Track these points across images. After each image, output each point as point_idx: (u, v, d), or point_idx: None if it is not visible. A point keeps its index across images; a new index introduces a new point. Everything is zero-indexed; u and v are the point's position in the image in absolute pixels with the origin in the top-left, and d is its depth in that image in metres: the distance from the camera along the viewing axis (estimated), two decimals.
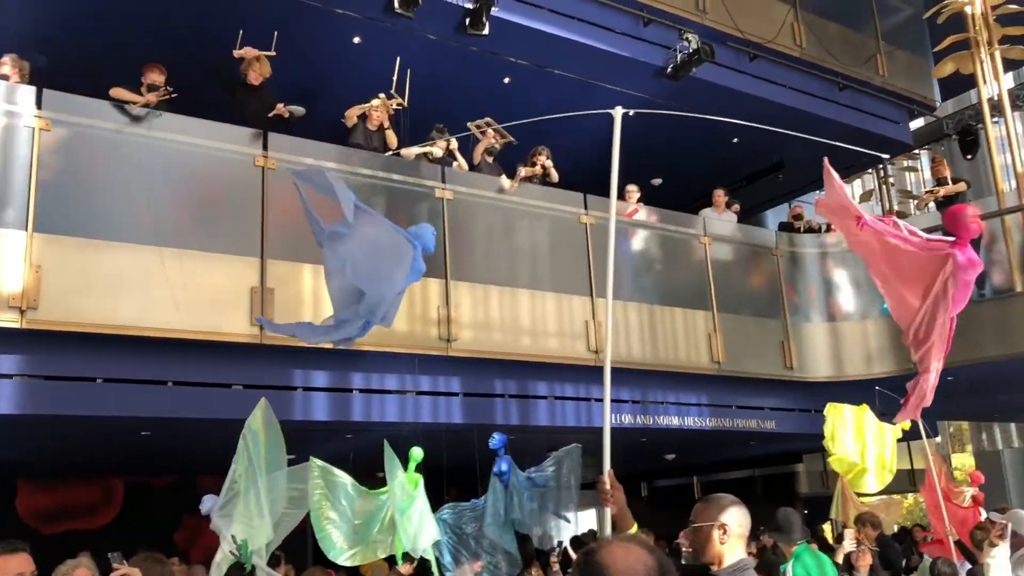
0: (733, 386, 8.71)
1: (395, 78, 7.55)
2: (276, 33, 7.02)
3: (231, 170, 6.44)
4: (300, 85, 7.94)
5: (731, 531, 2.68)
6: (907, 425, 6.74)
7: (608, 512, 3.08)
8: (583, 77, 8.91)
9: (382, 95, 7.46)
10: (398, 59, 7.56)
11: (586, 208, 8.03)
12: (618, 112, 3.70)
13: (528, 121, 5.10)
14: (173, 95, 6.23)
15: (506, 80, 8.86)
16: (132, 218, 5.94)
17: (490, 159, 7.96)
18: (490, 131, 7.88)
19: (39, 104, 5.74)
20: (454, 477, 7.60)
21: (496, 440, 6.64)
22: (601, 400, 7.61)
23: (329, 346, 6.35)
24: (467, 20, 7.79)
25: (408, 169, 7.23)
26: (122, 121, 6.06)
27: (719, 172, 10.94)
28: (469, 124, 7.94)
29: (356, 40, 8.03)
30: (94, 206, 5.82)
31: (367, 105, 7.44)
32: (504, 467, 6.57)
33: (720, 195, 9.77)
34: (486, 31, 7.83)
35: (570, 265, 7.84)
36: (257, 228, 6.27)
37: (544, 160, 8.07)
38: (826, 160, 4.71)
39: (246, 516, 4.69)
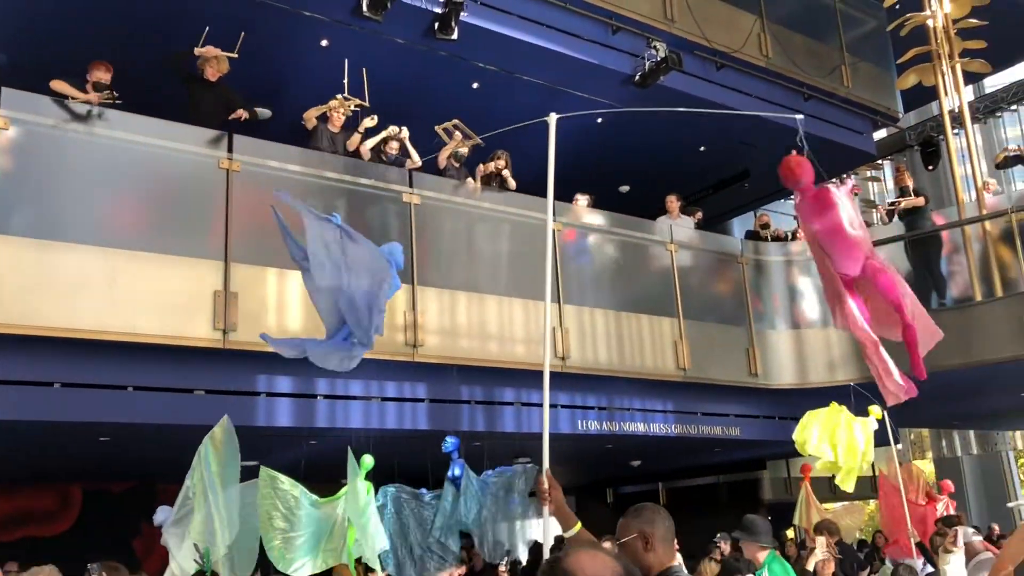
0: (698, 393, 8.76)
1: (346, 80, 7.53)
2: (243, 34, 6.95)
3: (195, 172, 6.36)
4: (266, 87, 7.88)
5: (654, 538, 2.64)
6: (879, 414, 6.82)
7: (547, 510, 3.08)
8: (551, 83, 8.93)
9: (339, 96, 7.41)
10: (346, 61, 7.52)
11: (554, 214, 8.01)
12: (552, 118, 3.77)
13: (493, 134, 5.10)
14: (118, 100, 6.12)
15: (475, 85, 8.85)
16: (92, 220, 5.84)
17: (457, 164, 7.94)
18: (457, 134, 7.85)
19: None
20: (407, 482, 7.55)
21: (449, 444, 6.64)
22: (567, 407, 7.67)
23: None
24: (436, 24, 7.77)
25: (375, 173, 7.19)
26: (84, 121, 5.96)
27: (686, 180, 11.02)
28: (436, 128, 7.91)
29: (324, 43, 7.98)
30: (52, 207, 5.71)
31: (325, 107, 7.38)
32: (458, 471, 6.59)
33: (672, 200, 9.74)
34: (455, 36, 7.82)
35: (538, 271, 7.79)
36: (221, 231, 6.19)
37: (501, 163, 8.01)
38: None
39: (201, 532, 4.61)
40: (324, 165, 7.00)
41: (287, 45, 7.88)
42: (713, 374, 8.75)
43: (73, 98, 5.96)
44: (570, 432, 7.82)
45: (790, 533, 10.13)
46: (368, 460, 5.37)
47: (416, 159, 7.65)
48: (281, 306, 6.27)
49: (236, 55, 6.96)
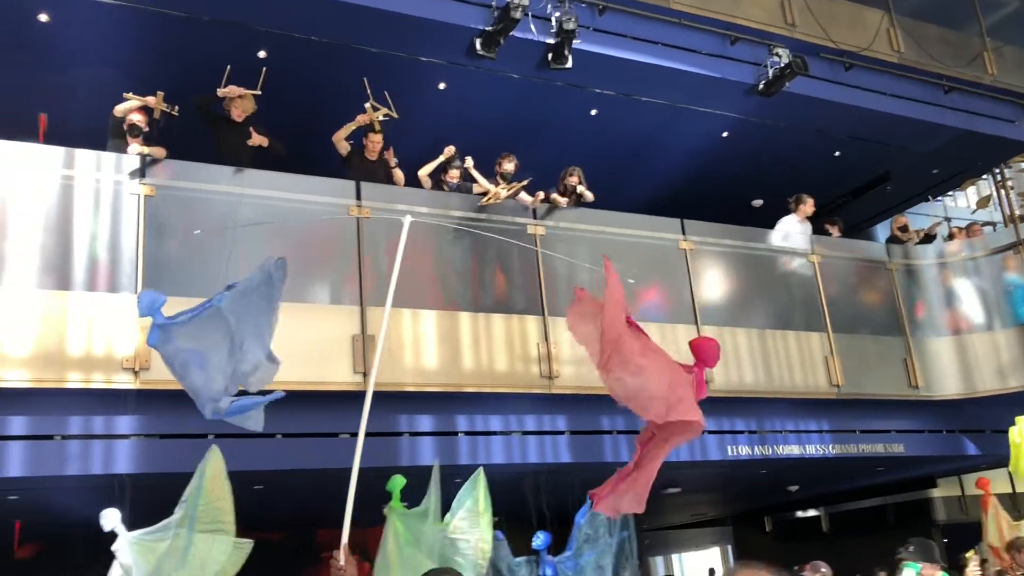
0: (855, 409, 8.26)
1: (369, 91, 7.26)
2: (264, 69, 6.95)
3: (328, 222, 6.54)
4: (389, 134, 8.04)
5: None
6: None
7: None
8: (672, 102, 8.76)
9: (367, 105, 7.21)
10: (365, 79, 7.26)
11: (684, 233, 7.81)
12: (407, 220, 3.92)
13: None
14: (175, 113, 6.42)
15: (593, 112, 8.78)
16: (236, 275, 6.07)
17: (510, 193, 7.61)
18: (503, 166, 7.50)
19: (142, 173, 5.97)
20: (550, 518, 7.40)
21: (540, 541, 6.31)
22: (715, 432, 7.37)
23: (434, 389, 6.35)
24: (549, 55, 7.75)
25: (499, 208, 7.19)
26: (223, 182, 6.26)
27: (822, 188, 10.53)
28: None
29: (441, 86, 8.11)
30: (197, 266, 5.98)
31: (354, 124, 7.20)
32: (549, 573, 6.22)
33: (810, 203, 9.12)
34: (569, 64, 7.77)
35: (674, 293, 7.63)
36: (355, 276, 6.32)
37: (574, 179, 7.71)
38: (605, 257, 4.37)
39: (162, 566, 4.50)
40: (449, 205, 7.07)
41: (405, 92, 8.03)
42: (870, 389, 8.24)
43: (145, 106, 6.30)
44: (720, 459, 7.51)
45: (970, 555, 9.37)
46: (399, 480, 5.22)
47: (484, 183, 7.45)
48: (417, 346, 6.33)
49: (259, 92, 6.91)
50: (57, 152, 5.86)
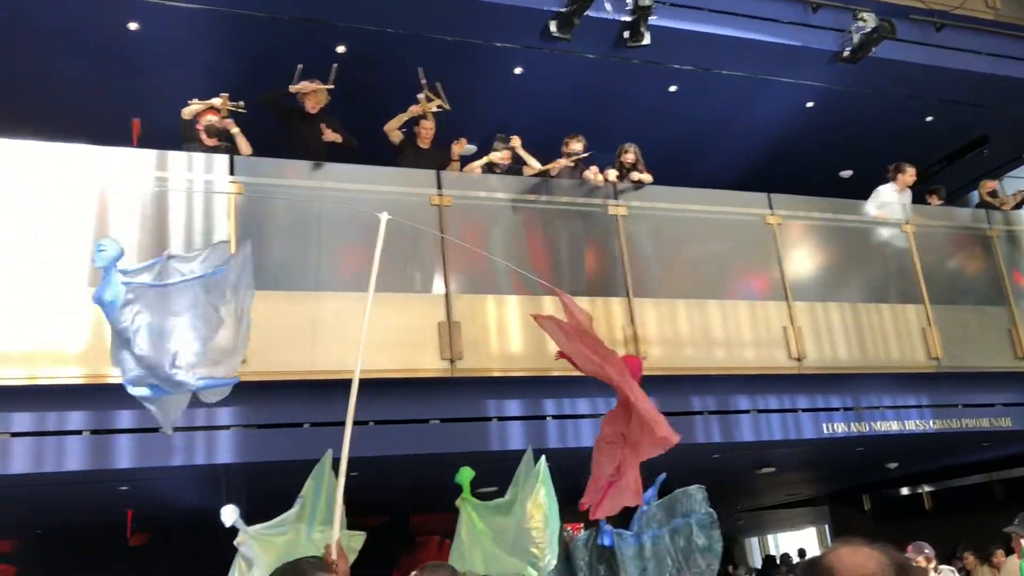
0: (957, 383, 7.95)
1: (424, 81, 7.18)
2: (335, 65, 6.92)
3: (410, 211, 6.61)
4: (466, 122, 8.07)
5: None
6: None
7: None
8: (754, 74, 8.56)
9: (420, 96, 7.14)
10: (420, 69, 7.19)
11: (771, 208, 7.63)
12: (384, 217, 3.98)
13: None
14: (243, 110, 6.53)
15: (672, 89, 8.64)
16: (324, 268, 6.22)
17: (571, 164, 7.42)
18: (571, 146, 7.31)
19: (231, 170, 6.14)
20: None
21: None
22: (809, 410, 7.20)
23: (520, 374, 6.38)
24: (625, 33, 7.66)
25: (578, 191, 7.16)
26: (305, 177, 6.39)
27: (914, 155, 10.13)
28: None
29: (517, 71, 8.10)
30: (286, 260, 6.13)
31: (407, 114, 7.13)
32: (607, 541, 5.90)
33: (910, 172, 8.67)
34: (646, 41, 7.67)
35: (760, 270, 7.47)
36: (439, 265, 6.39)
37: (631, 157, 7.39)
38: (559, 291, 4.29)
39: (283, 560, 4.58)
40: (527, 189, 7.07)
41: (481, 79, 8.07)
42: (972, 361, 7.91)
43: (210, 107, 6.44)
44: (815, 437, 7.33)
45: None
46: (467, 472, 5.25)
47: (535, 164, 7.29)
48: (502, 331, 6.36)
49: (332, 86, 6.90)
50: (150, 155, 6.07)
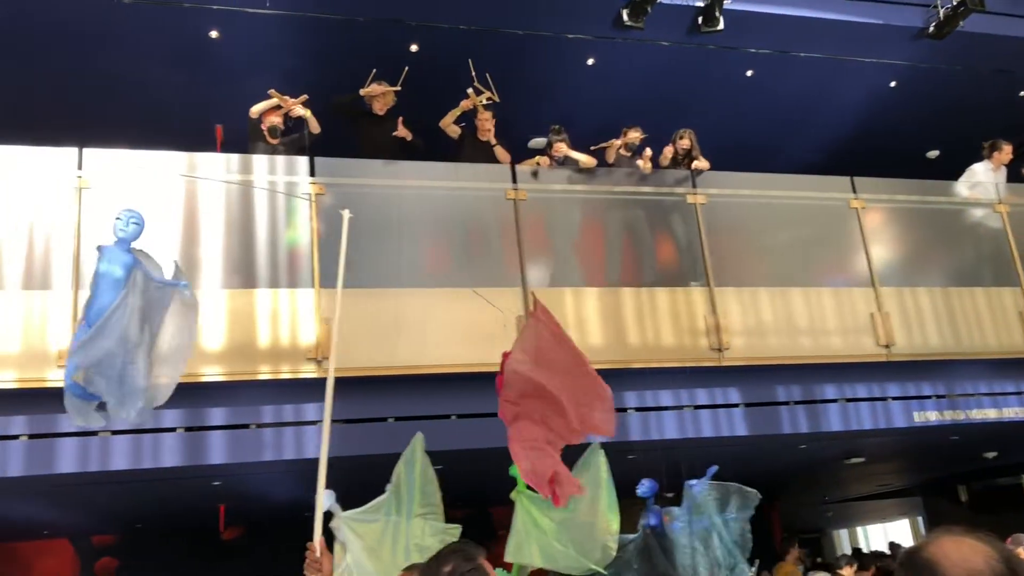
0: None
1: (473, 73, 7.05)
2: (406, 69, 6.96)
3: (487, 207, 6.65)
4: (538, 115, 8.07)
5: None
6: None
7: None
8: (833, 55, 8.33)
9: (470, 90, 7.03)
10: (470, 60, 7.06)
11: (855, 192, 7.43)
12: (346, 214, 4.02)
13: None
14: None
15: (749, 73, 8.47)
16: (403, 265, 6.30)
17: (628, 154, 7.36)
18: (629, 135, 7.25)
19: (312, 172, 6.27)
20: None
21: (645, 488, 5.75)
22: (899, 398, 6.98)
23: (600, 366, 6.33)
24: (699, 19, 7.54)
25: (655, 180, 7.08)
26: (382, 176, 6.48)
27: (1006, 133, 9.72)
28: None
29: (590, 62, 8.05)
30: (368, 258, 6.23)
31: (459, 109, 7.06)
32: (653, 520, 5.64)
33: (1007, 150, 8.27)
34: (721, 26, 7.54)
35: (845, 255, 7.28)
36: (515, 259, 6.40)
37: (686, 143, 7.24)
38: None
39: (378, 551, 4.67)
40: (608, 181, 7.03)
41: (553, 71, 8.04)
42: None
43: (275, 106, 6.66)
44: (905, 426, 7.11)
45: None
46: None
47: (588, 161, 7.03)
48: (580, 323, 6.34)
49: (400, 88, 6.96)
50: (234, 159, 6.25)
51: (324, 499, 4.73)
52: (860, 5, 8.02)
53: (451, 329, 6.06)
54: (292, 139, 6.88)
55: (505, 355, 4.03)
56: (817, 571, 8.65)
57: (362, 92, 6.91)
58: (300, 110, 6.77)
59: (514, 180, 6.63)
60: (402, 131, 6.85)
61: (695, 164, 7.16)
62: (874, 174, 7.76)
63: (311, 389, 5.83)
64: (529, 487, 5.21)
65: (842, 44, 8.21)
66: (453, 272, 6.33)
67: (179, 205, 5.93)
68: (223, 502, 8.35)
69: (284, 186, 6.21)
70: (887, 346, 6.93)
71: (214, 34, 7.17)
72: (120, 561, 10.17)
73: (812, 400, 6.89)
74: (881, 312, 7.02)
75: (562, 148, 7.07)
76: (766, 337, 6.74)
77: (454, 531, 4.98)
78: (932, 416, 7.21)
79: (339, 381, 5.76)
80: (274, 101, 6.73)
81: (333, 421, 5.88)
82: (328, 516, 4.87)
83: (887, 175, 7.87)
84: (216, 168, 6.14)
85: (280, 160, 6.32)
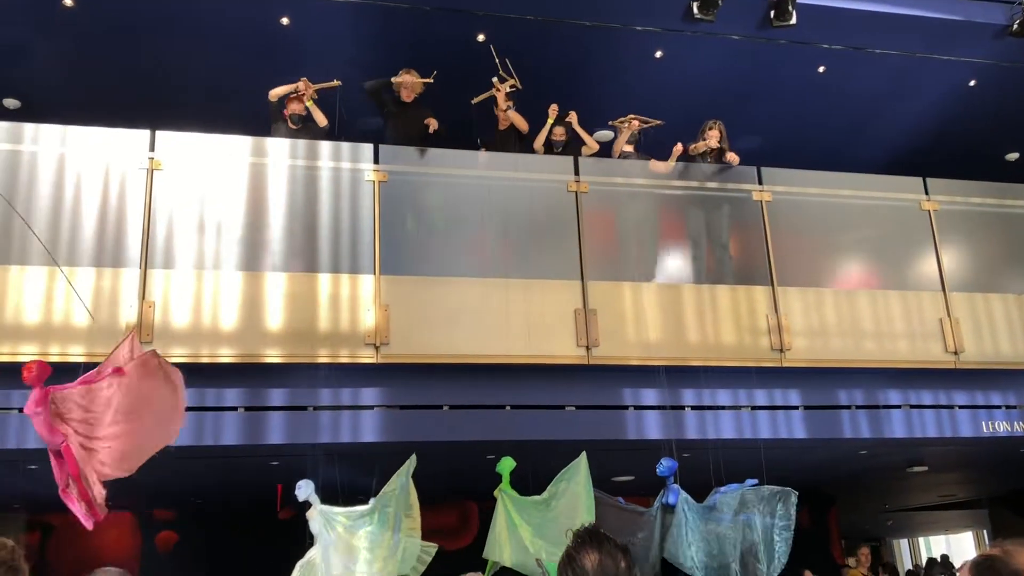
0: None
1: (497, 61, 7.03)
2: (435, 72, 7.00)
3: (547, 198, 6.63)
4: (604, 108, 8.00)
5: None
6: None
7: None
8: (910, 52, 8.09)
9: (495, 79, 7.04)
10: (491, 46, 7.08)
11: (927, 193, 7.22)
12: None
13: None
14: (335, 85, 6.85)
15: (821, 69, 8.27)
16: (463, 254, 6.32)
17: (630, 148, 7.31)
18: (634, 123, 7.24)
19: (376, 159, 6.32)
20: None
21: (664, 467, 5.65)
22: (967, 407, 6.78)
23: (658, 363, 6.29)
24: (771, 12, 7.39)
25: (721, 175, 6.97)
26: (446, 165, 6.51)
27: None
28: (611, 122, 7.44)
29: (657, 54, 7.95)
30: (428, 247, 6.27)
31: (487, 93, 7.09)
32: (672, 499, 5.54)
33: None
34: (793, 20, 7.37)
35: (913, 258, 7.09)
36: (575, 251, 6.37)
37: (715, 136, 7.11)
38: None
39: (350, 552, 4.80)
40: (667, 175, 6.95)
41: (620, 64, 7.97)
42: None
43: (294, 92, 6.79)
44: (973, 436, 6.90)
45: None
46: (509, 463, 5.49)
47: (592, 144, 7.19)
48: (639, 319, 6.29)
49: (431, 80, 6.99)
50: (300, 144, 6.33)
51: (303, 489, 4.89)
52: (939, 1, 7.78)
53: (508, 320, 6.06)
54: (310, 127, 6.96)
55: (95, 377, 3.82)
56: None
57: (393, 80, 7.00)
58: (307, 102, 6.88)
59: (576, 172, 6.60)
60: (433, 124, 6.87)
61: (729, 157, 7.03)
62: (949, 175, 7.53)
63: (368, 374, 5.89)
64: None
65: (919, 41, 7.96)
66: (513, 263, 6.32)
67: (245, 188, 6.04)
68: (280, 482, 8.50)
69: (348, 172, 6.27)
70: (956, 352, 6.73)
71: (285, 21, 7.26)
72: (179, 536, 10.43)
73: (875, 405, 6.73)
74: (951, 317, 6.82)
75: (573, 121, 7.17)
76: (829, 339, 6.60)
77: (430, 550, 5.33)
78: (1002, 427, 6.98)
79: (396, 367, 5.86)
80: (290, 87, 6.86)
81: (388, 407, 5.98)
82: (305, 507, 5.01)
83: (962, 177, 7.64)
84: (282, 153, 6.23)
85: (345, 147, 6.38)
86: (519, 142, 7.25)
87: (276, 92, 6.89)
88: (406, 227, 6.29)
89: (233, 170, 6.05)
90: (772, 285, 6.54)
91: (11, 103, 8.07)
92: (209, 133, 6.19)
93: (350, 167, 6.28)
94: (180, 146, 6.04)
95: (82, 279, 5.51)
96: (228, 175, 6.03)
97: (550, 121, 7.19)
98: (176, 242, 5.75)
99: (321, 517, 5.04)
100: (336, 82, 6.92)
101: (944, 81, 8.55)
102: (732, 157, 7.01)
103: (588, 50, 7.48)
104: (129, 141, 5.94)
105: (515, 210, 6.54)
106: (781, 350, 6.39)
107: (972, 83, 8.59)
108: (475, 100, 7.15)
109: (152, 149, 5.94)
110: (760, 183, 6.90)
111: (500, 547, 5.44)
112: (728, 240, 6.89)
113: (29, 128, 5.88)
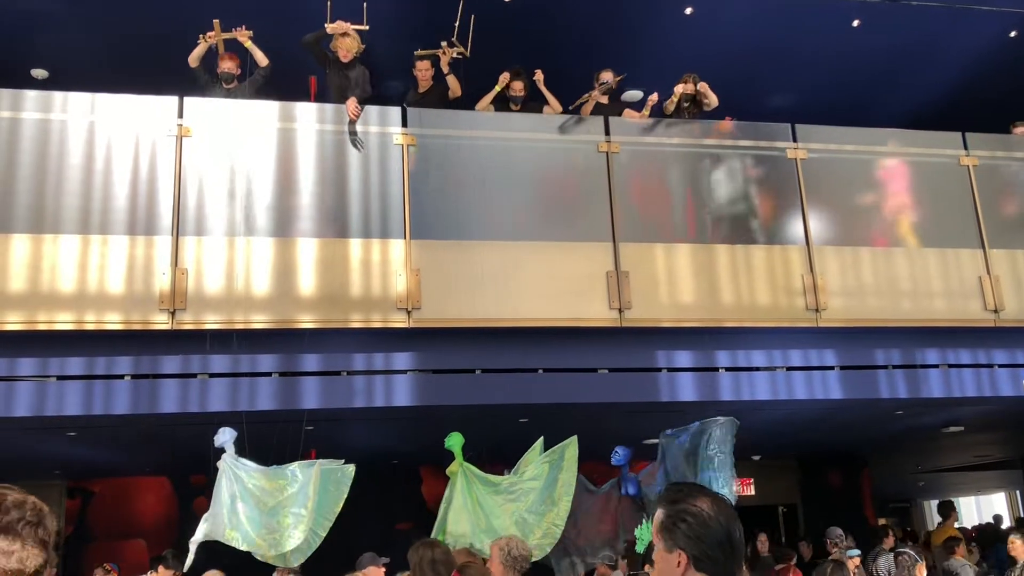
0: None
1: (457, 24, 6.75)
2: (364, 4, 6.62)
3: (578, 159, 6.55)
4: (639, 66, 7.86)
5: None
6: None
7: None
8: (947, 3, 7.86)
9: (444, 43, 6.77)
10: (460, 4, 6.78)
11: (966, 148, 7.05)
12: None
13: None
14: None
15: (855, 23, 8.07)
16: (493, 217, 6.26)
17: (605, 99, 7.08)
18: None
19: (404, 122, 6.26)
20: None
21: (619, 456, 6.10)
22: (1006, 366, 6.67)
23: (692, 324, 6.24)
24: None
25: (753, 133, 6.84)
26: (475, 128, 6.43)
27: None
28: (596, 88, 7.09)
29: (688, 11, 7.79)
30: (458, 210, 6.22)
31: (431, 52, 6.84)
32: (631, 490, 6.13)
33: None
34: None
35: (952, 214, 6.94)
36: (606, 213, 6.30)
37: (691, 87, 6.97)
38: None
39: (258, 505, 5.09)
40: (698, 134, 6.83)
41: (650, 20, 7.82)
42: None
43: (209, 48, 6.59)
44: (1013, 395, 6.80)
45: None
46: (457, 438, 5.64)
47: (556, 105, 6.94)
48: (671, 280, 6.22)
49: (367, 27, 6.56)
50: (328, 109, 6.27)
51: (222, 435, 5.01)
52: None
53: (539, 283, 6.02)
54: (251, 80, 6.68)
55: None
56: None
57: (328, 29, 6.44)
58: (245, 43, 6.58)
59: (607, 133, 6.50)
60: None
61: (708, 96, 6.97)
62: (988, 131, 7.34)
63: (401, 338, 5.89)
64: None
65: None
66: (543, 226, 6.26)
67: (274, 154, 6.01)
68: (314, 447, 8.57)
69: (376, 135, 6.22)
70: (996, 311, 6.61)
71: None
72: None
73: (912, 365, 6.64)
74: (991, 275, 6.69)
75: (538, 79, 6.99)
76: (866, 298, 6.50)
77: (348, 470, 5.48)
78: None
79: (428, 331, 5.84)
80: (204, 46, 6.57)
81: (421, 371, 5.98)
82: (219, 452, 5.24)
83: (1003, 131, 7.45)
84: (310, 118, 6.19)
85: (373, 110, 6.31)
86: (442, 106, 6.91)
87: (193, 56, 6.59)
88: (435, 191, 6.23)
89: (261, 136, 6.02)
90: (808, 244, 6.44)
91: (39, 73, 8.07)
92: (237, 99, 6.15)
93: (378, 131, 6.23)
94: (208, 113, 6.02)
95: (115, 247, 5.54)
96: (256, 141, 6.00)
97: (497, 88, 6.92)
98: (207, 209, 5.75)
99: (230, 467, 5.22)
100: (248, 32, 6.61)
101: (982, 33, 8.32)
102: (708, 93, 6.94)
103: (618, 8, 7.34)
104: (157, 108, 5.92)
105: (545, 172, 6.47)
106: (817, 310, 6.31)
107: (1013, 34, 8.35)
108: (418, 52, 6.94)
109: (180, 116, 5.92)
110: (795, 140, 6.77)
111: (458, 526, 5.52)
112: (762, 199, 6.78)
113: (58, 97, 5.87)
